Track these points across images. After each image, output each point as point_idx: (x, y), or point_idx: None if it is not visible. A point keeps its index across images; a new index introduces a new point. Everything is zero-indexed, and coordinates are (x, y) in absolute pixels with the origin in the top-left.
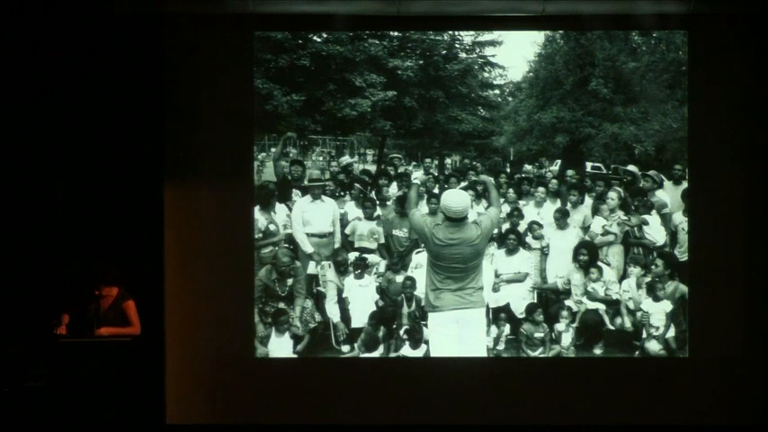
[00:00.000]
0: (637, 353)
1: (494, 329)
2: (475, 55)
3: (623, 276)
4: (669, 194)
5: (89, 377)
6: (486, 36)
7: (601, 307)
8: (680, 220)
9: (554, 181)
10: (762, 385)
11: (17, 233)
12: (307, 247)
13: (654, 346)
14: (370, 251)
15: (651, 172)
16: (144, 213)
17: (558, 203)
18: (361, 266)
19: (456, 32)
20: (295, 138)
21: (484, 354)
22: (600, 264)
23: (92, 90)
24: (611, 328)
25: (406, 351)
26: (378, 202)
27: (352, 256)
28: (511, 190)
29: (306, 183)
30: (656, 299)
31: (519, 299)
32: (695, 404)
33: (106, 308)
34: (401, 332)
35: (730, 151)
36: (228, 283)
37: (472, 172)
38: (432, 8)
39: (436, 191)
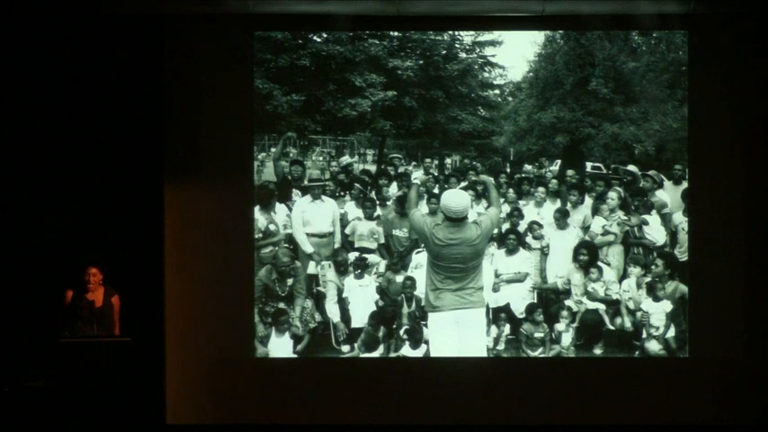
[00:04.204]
0: (637, 353)
1: (494, 329)
2: (475, 55)
3: (623, 276)
4: (669, 194)
5: (89, 377)
6: (486, 36)
7: (601, 307)
8: (680, 220)
9: (554, 181)
10: (762, 385)
11: (17, 233)
12: (307, 247)
13: (654, 346)
14: (370, 251)
15: (651, 172)
16: (144, 213)
17: (558, 203)
18: (361, 266)
19: (456, 32)
20: (295, 138)
21: (484, 354)
22: (600, 264)
23: (92, 90)
24: (611, 328)
25: (406, 351)
26: (378, 202)
27: (352, 256)
28: (511, 190)
29: (306, 183)
30: (656, 299)
31: (519, 299)
32: (695, 404)
33: (101, 305)
34: (401, 332)
35: (730, 151)
36: (228, 283)
37: (472, 172)
38: (432, 8)
39: (436, 191)
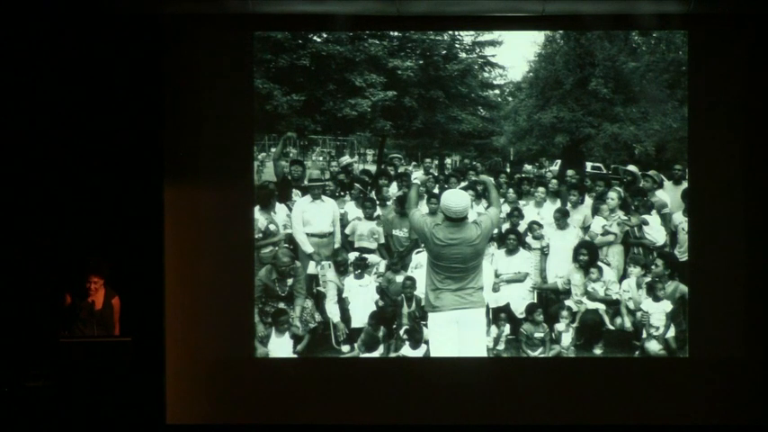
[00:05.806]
0: (637, 353)
1: (494, 329)
2: (475, 55)
3: (623, 276)
4: (669, 194)
5: (89, 377)
6: (486, 36)
7: (601, 307)
8: (680, 220)
9: (554, 181)
10: (762, 385)
11: (17, 233)
12: (307, 247)
13: (654, 346)
14: (370, 251)
15: (651, 172)
16: (144, 213)
17: (558, 203)
18: (361, 266)
19: (456, 32)
20: (295, 138)
21: (484, 354)
22: (600, 264)
23: (92, 90)
24: (611, 328)
25: (406, 351)
26: (378, 202)
27: (352, 256)
28: (511, 190)
29: (306, 183)
30: (656, 299)
31: (519, 299)
32: (695, 404)
33: (100, 307)
34: (401, 332)
35: (730, 151)
36: (228, 283)
37: (472, 172)
38: (432, 8)
39: (436, 191)
